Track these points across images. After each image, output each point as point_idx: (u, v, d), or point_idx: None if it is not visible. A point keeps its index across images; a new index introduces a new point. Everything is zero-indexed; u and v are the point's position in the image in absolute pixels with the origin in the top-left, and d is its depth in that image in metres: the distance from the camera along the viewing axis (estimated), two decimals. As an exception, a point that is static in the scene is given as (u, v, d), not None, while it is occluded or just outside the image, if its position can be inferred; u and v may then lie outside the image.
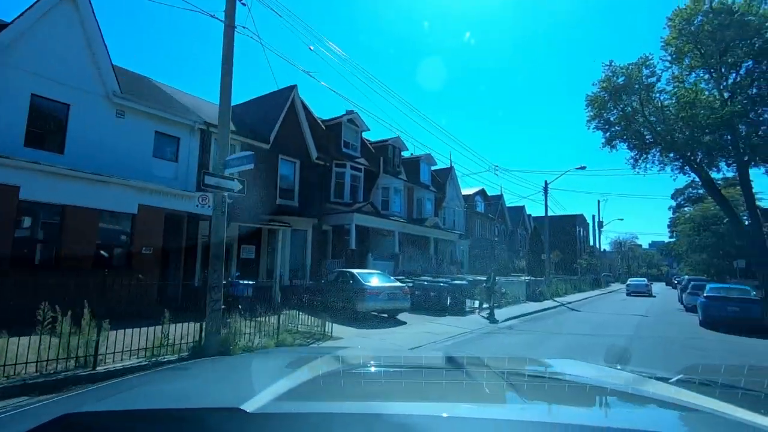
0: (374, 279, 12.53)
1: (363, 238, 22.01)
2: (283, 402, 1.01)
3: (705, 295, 13.92)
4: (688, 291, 19.80)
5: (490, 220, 40.51)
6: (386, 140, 25.04)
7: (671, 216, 68.11)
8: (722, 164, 31.09)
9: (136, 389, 1.33)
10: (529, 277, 24.08)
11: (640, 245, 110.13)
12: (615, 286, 55.66)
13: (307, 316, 10.17)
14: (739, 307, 13.09)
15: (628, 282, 40.15)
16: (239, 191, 7.26)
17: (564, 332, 12.49)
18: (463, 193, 36.57)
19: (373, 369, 1.70)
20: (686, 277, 27.24)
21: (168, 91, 15.48)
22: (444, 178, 31.99)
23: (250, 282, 11.18)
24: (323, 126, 21.34)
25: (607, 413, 1.22)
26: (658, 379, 1.58)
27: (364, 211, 19.81)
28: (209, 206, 6.97)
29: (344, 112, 22.19)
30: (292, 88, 17.17)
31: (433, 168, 30.36)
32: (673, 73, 30.03)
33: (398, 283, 12.74)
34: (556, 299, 24.29)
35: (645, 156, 33.24)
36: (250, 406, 0.88)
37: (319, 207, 18.80)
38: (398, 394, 1.30)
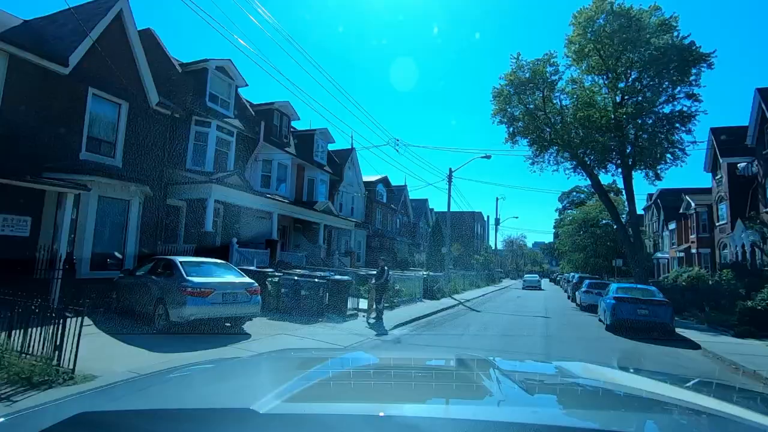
0: (205, 271, 8.36)
1: (231, 219, 17.45)
2: (294, 403, 1.01)
3: (614, 296, 12.30)
4: (583, 290, 18.92)
5: (392, 211, 38.09)
6: (271, 103, 20.56)
7: (557, 217, 73.82)
8: (611, 167, 32.20)
9: (148, 389, 1.32)
10: (427, 272, 21.68)
11: (526, 245, 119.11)
12: (506, 281, 57.71)
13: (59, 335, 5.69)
14: (648, 310, 11.62)
15: (525, 277, 47.17)
16: None
17: (468, 344, 9.69)
18: (364, 179, 33.48)
19: (383, 370, 1.67)
20: (577, 274, 27.32)
21: None
22: (343, 159, 28.45)
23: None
24: (179, 68, 16.21)
25: (622, 418, 1.14)
26: (672, 383, 1.57)
27: (229, 183, 15.29)
28: None
29: (217, 58, 17.25)
30: (120, -5, 11.97)
31: (330, 146, 26.58)
32: (571, 75, 30.27)
33: (244, 279, 8.71)
34: (454, 296, 22.29)
35: (542, 156, 33.36)
36: (261, 407, 0.88)
37: (163, 172, 13.84)
38: (409, 395, 1.28)
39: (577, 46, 28.58)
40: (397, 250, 35.47)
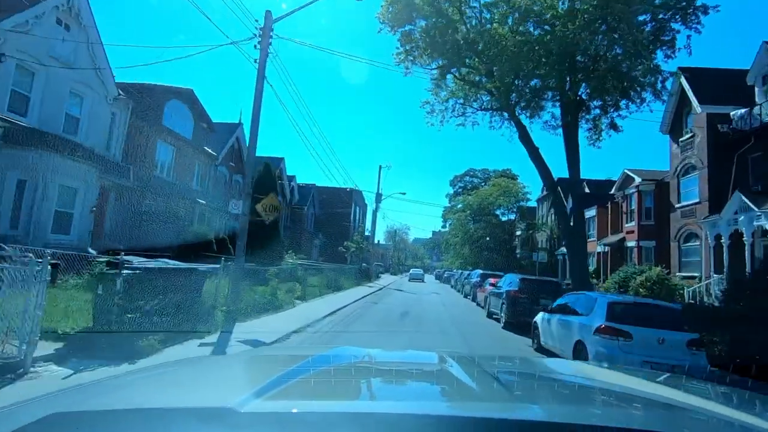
0: None
1: None
2: (274, 401, 0.98)
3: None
4: (552, 313, 6.30)
5: (207, 159, 22.47)
6: None
7: (446, 205, 65.11)
8: (534, 122, 21.62)
9: (124, 388, 1.24)
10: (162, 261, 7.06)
11: (409, 238, 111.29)
12: (386, 278, 46.04)
13: None
14: None
15: (411, 271, 50.15)
16: None
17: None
18: (132, 83, 17.60)
19: (364, 368, 1.66)
20: (515, 277, 14.97)
21: None
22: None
23: None
24: None
25: (600, 412, 1.20)
26: (647, 378, 1.63)
27: None
28: None
29: None
30: None
31: None
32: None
33: None
34: (249, 325, 8.30)
35: (447, 100, 21.93)
36: (241, 406, 0.85)
37: None
38: (390, 393, 1.31)
39: None
40: (202, 221, 20.05)
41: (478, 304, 19.36)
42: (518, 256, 47.31)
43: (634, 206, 24.15)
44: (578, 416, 1.06)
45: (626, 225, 25.17)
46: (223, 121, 25.43)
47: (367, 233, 43.67)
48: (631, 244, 24.33)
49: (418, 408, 1.02)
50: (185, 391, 1.23)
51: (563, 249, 38.05)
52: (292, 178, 37.56)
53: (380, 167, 34.59)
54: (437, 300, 22.02)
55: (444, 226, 60.58)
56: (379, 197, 34.77)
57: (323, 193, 46.25)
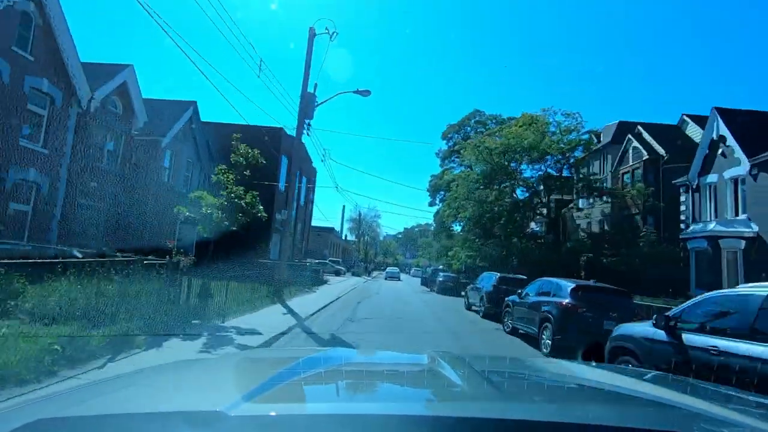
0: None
1: None
2: (265, 404, 0.97)
3: None
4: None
5: None
6: None
7: (435, 173, 45.30)
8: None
9: (112, 393, 1.24)
10: None
11: (380, 228, 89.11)
12: (334, 286, 25.73)
13: None
14: None
15: (387, 270, 48.20)
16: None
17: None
18: None
19: (354, 369, 1.65)
20: None
21: None
22: None
23: None
24: None
25: (590, 411, 1.18)
26: (636, 377, 1.68)
27: None
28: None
29: None
30: None
31: None
32: None
33: None
34: None
35: None
36: (231, 410, 0.85)
37: None
38: (380, 395, 1.29)
39: None
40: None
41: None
42: (542, 243, 28.02)
43: None
44: (568, 415, 1.06)
45: None
46: None
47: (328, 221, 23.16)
48: None
49: (407, 409, 1.02)
50: (173, 394, 1.21)
51: (716, 225, 18.71)
52: (121, 68, 16.64)
53: (311, 30, 14.45)
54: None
55: (433, 203, 41.08)
56: (311, 100, 14.83)
57: (226, 132, 25.26)
